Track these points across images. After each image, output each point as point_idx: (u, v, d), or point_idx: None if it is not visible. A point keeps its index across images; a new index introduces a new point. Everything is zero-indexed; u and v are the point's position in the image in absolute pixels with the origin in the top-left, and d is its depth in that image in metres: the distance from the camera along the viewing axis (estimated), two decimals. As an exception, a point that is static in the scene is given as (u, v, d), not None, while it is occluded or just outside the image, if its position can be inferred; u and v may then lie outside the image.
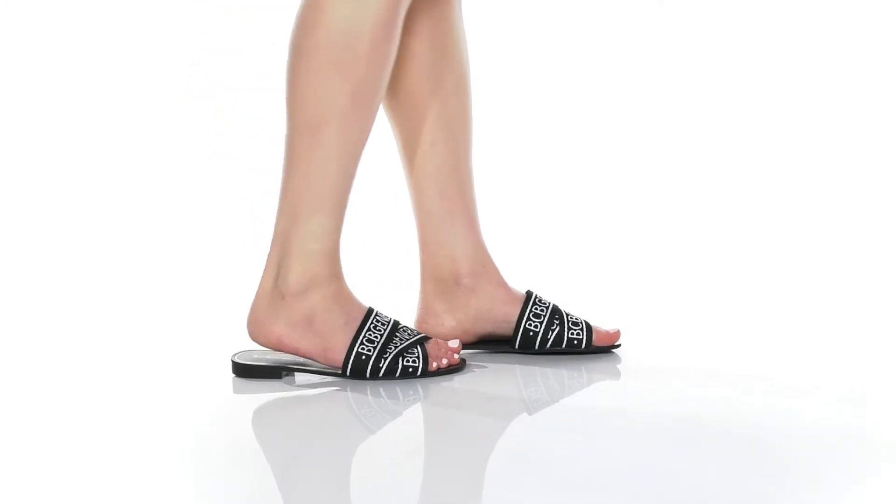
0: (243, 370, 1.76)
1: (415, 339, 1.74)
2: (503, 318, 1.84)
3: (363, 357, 1.72)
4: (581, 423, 1.56)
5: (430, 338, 1.76)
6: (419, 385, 1.72)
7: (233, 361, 1.77)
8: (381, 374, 1.72)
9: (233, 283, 2.57)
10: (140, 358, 1.94)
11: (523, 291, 1.85)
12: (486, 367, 1.80)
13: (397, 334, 1.74)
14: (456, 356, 1.76)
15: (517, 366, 1.80)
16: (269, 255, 1.75)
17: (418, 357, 1.73)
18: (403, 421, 1.60)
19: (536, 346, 1.82)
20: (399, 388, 1.71)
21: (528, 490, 1.27)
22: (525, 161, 3.26)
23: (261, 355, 1.78)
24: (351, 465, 1.41)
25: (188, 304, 2.38)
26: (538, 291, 1.85)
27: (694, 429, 1.49)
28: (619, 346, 1.84)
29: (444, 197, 1.84)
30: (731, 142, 3.28)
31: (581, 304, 2.00)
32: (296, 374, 1.76)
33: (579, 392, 1.72)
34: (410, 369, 1.73)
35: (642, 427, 1.51)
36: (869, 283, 2.42)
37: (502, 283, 1.85)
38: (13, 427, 1.57)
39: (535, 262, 2.66)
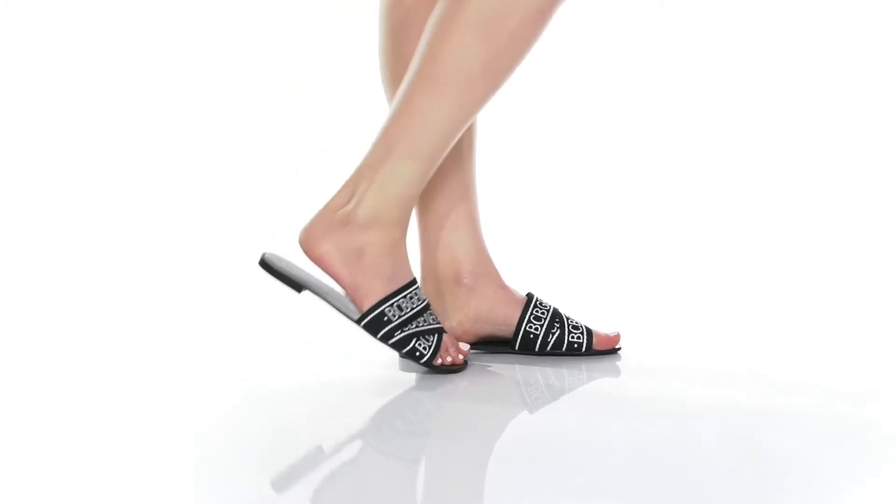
0: (270, 267, 1.72)
1: (435, 327, 1.73)
2: (503, 319, 1.84)
3: (385, 319, 1.70)
4: (581, 422, 1.56)
5: (445, 332, 1.76)
6: (419, 384, 1.72)
7: (263, 255, 1.74)
8: (389, 342, 1.71)
9: (232, 283, 2.57)
10: (139, 358, 1.94)
11: (523, 293, 1.85)
12: (486, 366, 1.80)
13: (423, 316, 1.73)
14: (461, 357, 1.76)
15: (517, 365, 1.80)
16: (347, 180, 1.73)
17: (430, 346, 1.73)
18: (403, 420, 1.60)
19: (536, 349, 1.82)
20: (399, 388, 1.71)
21: (528, 490, 1.27)
22: (524, 162, 3.26)
23: (290, 266, 1.75)
24: (350, 464, 1.41)
25: (188, 304, 2.38)
26: (538, 293, 1.85)
27: (694, 429, 1.49)
28: (619, 349, 1.84)
29: (447, 197, 1.84)
30: (730, 142, 3.28)
31: (581, 304, 2.00)
32: (312, 296, 1.73)
33: (579, 392, 1.72)
34: (418, 353, 1.72)
35: (642, 427, 1.51)
36: (869, 282, 2.42)
37: (502, 285, 1.85)
38: (14, 427, 1.57)
39: (535, 263, 2.66)
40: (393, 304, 1.71)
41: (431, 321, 1.74)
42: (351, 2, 3.20)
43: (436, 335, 1.73)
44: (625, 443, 1.45)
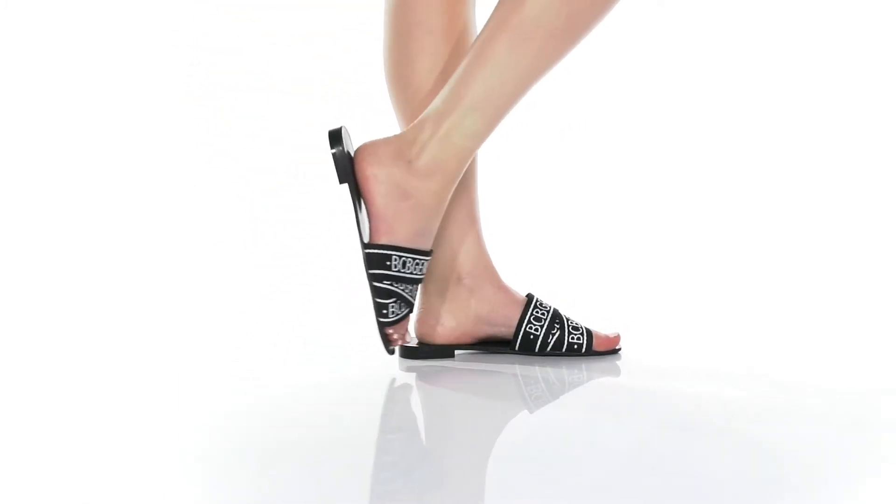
0: (338, 140, 1.71)
1: (412, 302, 1.75)
2: (503, 321, 1.84)
3: (387, 263, 1.71)
4: (581, 422, 1.56)
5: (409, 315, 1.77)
6: (419, 384, 1.72)
7: (342, 127, 1.74)
8: (374, 283, 1.71)
9: (232, 283, 2.57)
10: (139, 358, 1.94)
11: (524, 294, 1.85)
12: (486, 366, 1.80)
13: (413, 287, 1.74)
14: (399, 341, 1.77)
15: (517, 365, 1.80)
16: (415, 123, 1.73)
17: (398, 315, 1.74)
18: (403, 421, 1.60)
19: (536, 350, 1.82)
20: (398, 387, 1.71)
21: (528, 490, 1.27)
22: (524, 163, 3.26)
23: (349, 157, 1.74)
24: (349, 464, 1.41)
25: (188, 304, 2.38)
26: (539, 294, 1.85)
27: (694, 429, 1.49)
28: (619, 350, 1.84)
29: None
30: (729, 143, 3.28)
31: (581, 304, 2.00)
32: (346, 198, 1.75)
33: (580, 391, 1.72)
34: (385, 312, 1.73)
35: (642, 427, 1.51)
36: (869, 282, 2.42)
37: (502, 287, 1.85)
38: (14, 427, 1.57)
39: (535, 263, 2.66)
40: (403, 258, 1.72)
41: (415, 296, 1.76)
42: (351, 2, 3.21)
43: (408, 309, 1.75)
44: (624, 443, 1.45)
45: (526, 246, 2.83)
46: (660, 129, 3.34)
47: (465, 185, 1.85)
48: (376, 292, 1.72)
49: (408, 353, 1.83)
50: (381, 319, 1.73)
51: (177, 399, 1.70)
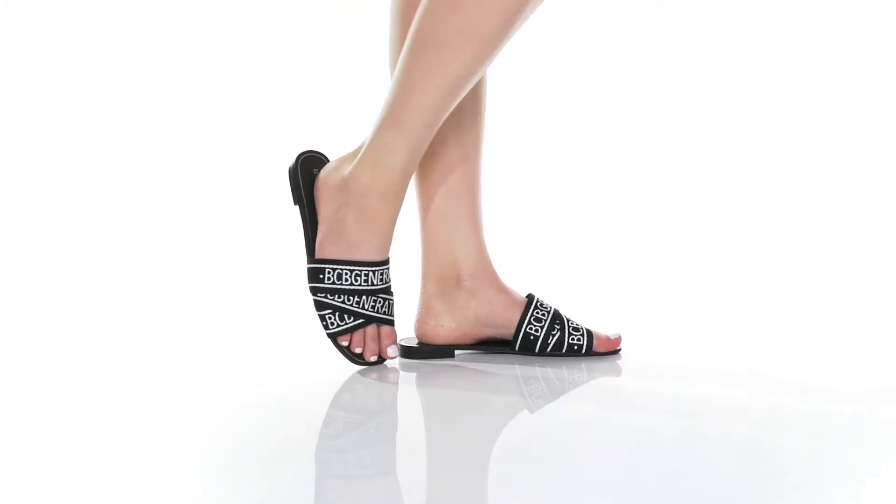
0: (297, 169, 1.82)
1: (361, 313, 1.76)
2: (503, 322, 1.84)
3: (320, 276, 1.77)
4: (581, 422, 1.56)
5: (388, 325, 1.78)
6: (419, 384, 1.72)
7: (303, 155, 1.84)
8: (312, 297, 1.77)
9: (232, 283, 2.57)
10: (139, 358, 1.94)
11: (524, 295, 1.85)
12: (486, 366, 1.80)
13: (359, 298, 1.76)
14: (373, 357, 1.78)
15: (517, 365, 1.80)
16: (359, 147, 1.78)
17: (340, 326, 1.76)
18: (403, 420, 1.60)
19: (536, 350, 1.82)
20: (399, 387, 1.71)
21: (529, 490, 1.27)
22: (524, 162, 3.26)
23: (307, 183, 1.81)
24: (350, 465, 1.41)
25: (188, 304, 2.38)
26: (539, 294, 1.85)
27: (694, 429, 1.49)
28: (619, 350, 1.84)
29: (451, 197, 1.84)
30: (729, 143, 3.28)
31: (581, 304, 2.00)
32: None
33: (580, 391, 1.72)
34: (324, 323, 1.77)
35: (642, 427, 1.51)
36: (869, 282, 2.42)
37: (502, 288, 1.85)
38: (14, 427, 1.57)
39: (535, 264, 2.66)
40: (336, 270, 1.75)
41: (366, 307, 1.76)
42: (351, 2, 3.21)
43: (354, 319, 1.76)
44: (624, 442, 1.45)
45: (526, 246, 2.83)
46: (660, 129, 3.34)
47: (467, 188, 1.85)
48: (315, 305, 1.77)
49: (408, 353, 1.83)
50: (325, 330, 1.77)
51: (177, 399, 1.70)
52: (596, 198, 3.15)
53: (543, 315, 1.82)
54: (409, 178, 1.77)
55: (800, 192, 3.10)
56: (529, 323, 1.82)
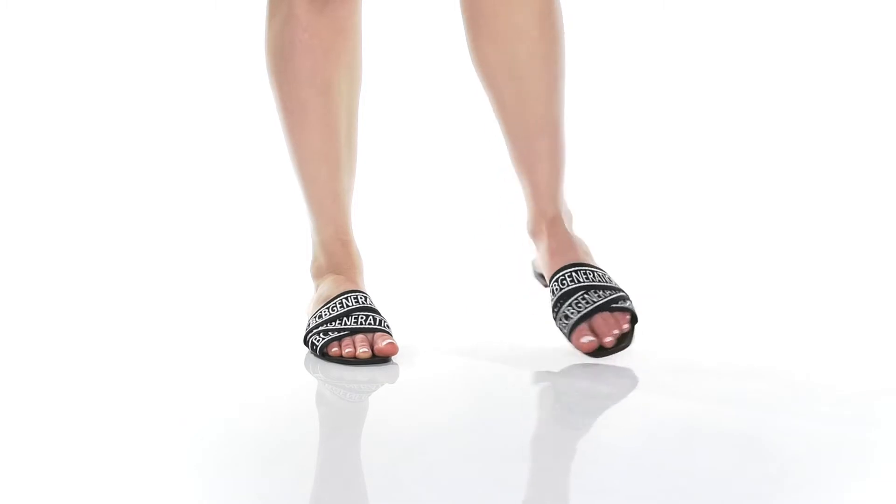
0: None
1: (343, 328, 1.82)
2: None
3: (307, 337, 1.86)
4: (583, 421, 1.56)
5: (358, 333, 1.82)
6: (420, 384, 1.72)
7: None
8: (305, 342, 1.86)
9: (232, 283, 2.57)
10: (139, 358, 1.94)
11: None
12: (488, 366, 1.80)
13: (341, 320, 1.82)
14: (368, 352, 1.79)
15: (519, 364, 1.80)
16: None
17: (325, 340, 1.82)
18: (403, 421, 1.60)
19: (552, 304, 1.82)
20: (400, 387, 1.71)
21: (529, 490, 1.27)
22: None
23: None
24: (350, 464, 1.41)
25: (188, 304, 2.38)
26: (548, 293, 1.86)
27: (695, 428, 1.49)
28: (624, 346, 1.81)
29: (531, 133, 2.01)
30: (735, 140, 3.29)
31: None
32: None
33: (582, 390, 1.72)
34: (312, 345, 1.85)
35: (644, 426, 1.51)
36: (871, 282, 2.42)
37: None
38: (14, 427, 1.57)
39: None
40: (312, 327, 1.85)
41: (349, 324, 1.82)
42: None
43: (339, 332, 1.81)
44: (625, 442, 1.45)
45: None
46: (664, 128, 3.34)
47: (551, 122, 2.01)
48: (308, 346, 1.88)
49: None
50: (314, 353, 1.86)
51: (177, 399, 1.70)
52: (599, 198, 3.15)
53: (566, 286, 1.82)
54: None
55: (804, 190, 3.10)
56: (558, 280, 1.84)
